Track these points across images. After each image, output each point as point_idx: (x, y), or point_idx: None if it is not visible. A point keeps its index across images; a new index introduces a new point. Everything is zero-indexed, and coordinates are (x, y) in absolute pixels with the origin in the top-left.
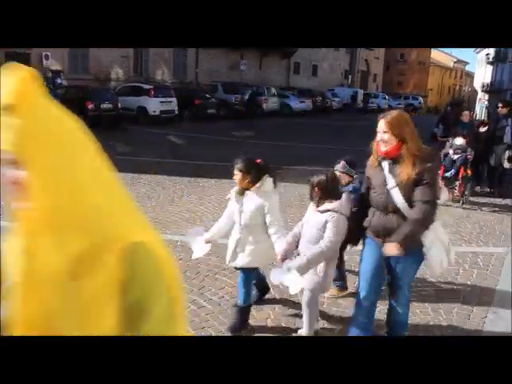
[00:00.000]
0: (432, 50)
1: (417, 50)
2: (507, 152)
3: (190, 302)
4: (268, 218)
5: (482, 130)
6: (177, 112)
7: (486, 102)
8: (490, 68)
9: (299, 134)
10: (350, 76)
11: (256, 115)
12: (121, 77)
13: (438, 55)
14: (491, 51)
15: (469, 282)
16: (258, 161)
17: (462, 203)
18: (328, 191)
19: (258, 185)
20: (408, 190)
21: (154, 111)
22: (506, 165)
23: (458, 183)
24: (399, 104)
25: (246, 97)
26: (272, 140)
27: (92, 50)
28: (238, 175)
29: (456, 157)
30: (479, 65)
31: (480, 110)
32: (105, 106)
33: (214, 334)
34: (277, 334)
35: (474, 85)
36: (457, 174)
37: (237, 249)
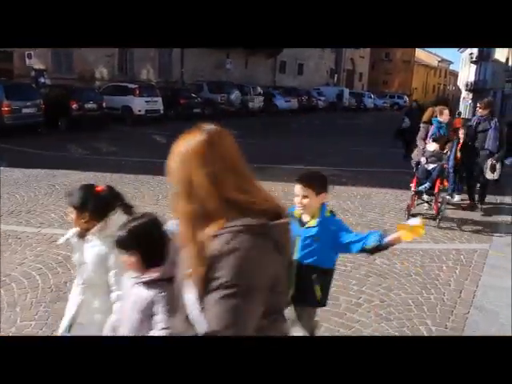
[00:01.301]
0: (416, 49)
1: (401, 49)
2: (489, 161)
3: None
4: (111, 277)
5: (460, 133)
6: (162, 111)
7: (470, 101)
8: (473, 67)
9: (285, 132)
10: (335, 75)
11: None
12: (105, 76)
13: (423, 54)
14: (475, 50)
15: (452, 279)
16: (100, 189)
17: (439, 221)
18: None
19: (99, 225)
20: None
21: (140, 110)
22: (489, 175)
23: (433, 198)
24: (385, 103)
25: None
26: (258, 139)
27: (76, 48)
28: (71, 213)
29: (431, 166)
30: (463, 64)
31: (464, 109)
32: (89, 105)
33: None
34: None
35: (458, 83)
36: (432, 187)
37: (78, 316)
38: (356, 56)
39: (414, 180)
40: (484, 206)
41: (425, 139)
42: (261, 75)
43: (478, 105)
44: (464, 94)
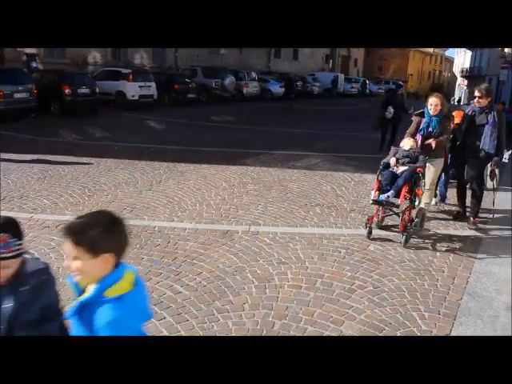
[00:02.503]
0: None
1: None
2: (489, 166)
3: (166, 288)
4: None
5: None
6: (156, 97)
7: (465, 87)
8: (468, 53)
9: (279, 118)
10: (330, 61)
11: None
12: (98, 61)
13: None
14: None
15: (445, 265)
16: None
17: (405, 241)
18: None
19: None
20: None
21: (133, 96)
22: (489, 183)
23: (399, 211)
24: (380, 89)
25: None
26: (252, 125)
27: None
28: None
29: (401, 170)
30: (458, 50)
31: (460, 95)
32: (82, 90)
33: (190, 320)
34: (255, 319)
35: (454, 70)
36: (397, 195)
37: None
38: None
39: (376, 186)
40: (480, 224)
41: (414, 135)
42: (255, 61)
43: (477, 93)
44: (459, 80)
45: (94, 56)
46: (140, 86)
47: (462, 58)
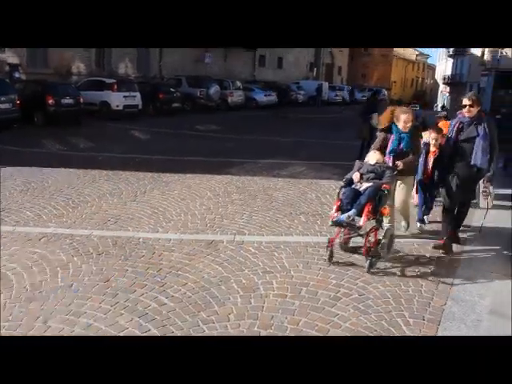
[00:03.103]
0: None
1: None
2: (481, 183)
3: (151, 300)
4: None
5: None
6: (141, 106)
7: (448, 94)
8: (450, 61)
9: (264, 127)
10: (315, 69)
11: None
12: (82, 71)
13: (401, 48)
14: None
15: (429, 271)
16: None
17: (370, 266)
18: None
19: None
20: None
21: (118, 106)
22: (482, 203)
23: (363, 232)
24: (364, 96)
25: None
26: (237, 134)
27: None
28: None
29: (364, 186)
30: (440, 58)
31: (442, 102)
32: (66, 100)
33: (175, 332)
34: (240, 329)
35: (436, 77)
36: (359, 215)
37: None
38: (335, 50)
39: (336, 205)
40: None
41: (379, 150)
42: (240, 69)
43: (466, 101)
44: (442, 87)
45: (78, 66)
46: (124, 96)
47: (443, 66)
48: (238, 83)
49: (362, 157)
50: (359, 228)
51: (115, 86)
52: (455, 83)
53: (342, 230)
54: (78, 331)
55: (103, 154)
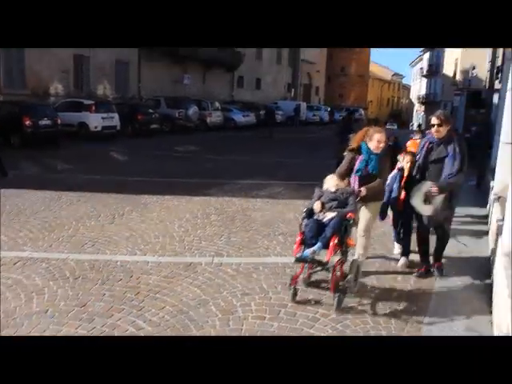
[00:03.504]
0: (370, 63)
1: (356, 63)
2: (428, 183)
3: (129, 325)
4: None
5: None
6: (119, 128)
7: (423, 113)
8: (424, 81)
9: (244, 147)
10: (292, 89)
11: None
12: (60, 92)
13: (376, 68)
14: (425, 65)
15: (406, 290)
16: None
17: (338, 304)
18: None
19: None
20: None
21: (96, 127)
22: (423, 208)
23: (329, 266)
24: (341, 116)
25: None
26: (216, 154)
27: (29, 64)
28: None
29: (328, 217)
30: (414, 78)
31: (418, 120)
32: (43, 122)
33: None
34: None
35: (411, 97)
36: (325, 248)
37: None
38: (312, 70)
39: (298, 240)
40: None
41: (344, 176)
42: (218, 90)
43: (435, 120)
44: (417, 106)
45: (56, 87)
46: (103, 117)
47: (418, 85)
48: (217, 104)
49: None
50: (326, 264)
51: (93, 108)
52: (430, 102)
53: (306, 265)
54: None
55: (81, 176)
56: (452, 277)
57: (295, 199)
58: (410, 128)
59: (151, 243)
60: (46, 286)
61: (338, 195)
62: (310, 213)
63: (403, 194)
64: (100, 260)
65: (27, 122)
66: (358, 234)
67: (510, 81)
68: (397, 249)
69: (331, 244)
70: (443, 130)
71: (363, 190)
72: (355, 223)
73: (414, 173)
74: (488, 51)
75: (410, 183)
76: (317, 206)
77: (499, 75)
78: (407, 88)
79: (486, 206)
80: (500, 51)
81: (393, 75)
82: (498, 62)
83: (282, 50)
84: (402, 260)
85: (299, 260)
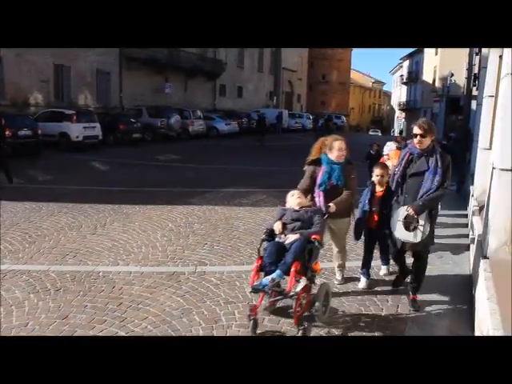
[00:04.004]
0: (351, 70)
1: (337, 70)
2: (404, 208)
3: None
4: None
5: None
6: (101, 137)
7: (403, 120)
8: (404, 88)
9: (226, 156)
10: (274, 97)
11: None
12: (40, 102)
13: (357, 76)
14: (404, 72)
15: (390, 295)
16: None
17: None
18: None
19: None
20: None
21: (77, 137)
22: (401, 233)
23: (294, 293)
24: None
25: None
26: (198, 163)
27: (8, 73)
28: None
29: (290, 239)
30: (395, 85)
31: (399, 127)
32: (23, 132)
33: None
34: None
35: (392, 103)
36: (286, 274)
37: None
38: (294, 78)
39: (256, 266)
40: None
41: (308, 191)
42: (201, 99)
43: (417, 129)
44: (397, 113)
45: (36, 97)
46: (84, 127)
47: (398, 92)
48: (199, 112)
49: None
50: (286, 294)
51: (74, 117)
52: (410, 109)
53: (269, 294)
54: None
55: (62, 186)
56: (434, 297)
57: (277, 206)
58: (392, 134)
59: (134, 253)
60: (26, 299)
61: (301, 214)
62: (271, 235)
63: (377, 211)
64: (82, 271)
65: (6, 133)
66: (333, 254)
67: (485, 88)
68: (383, 270)
69: (292, 270)
70: (426, 142)
71: (332, 205)
72: (322, 245)
73: (393, 187)
74: (465, 59)
75: (385, 199)
76: (277, 227)
77: (476, 82)
78: (388, 95)
79: (466, 210)
80: (476, 59)
81: (374, 82)
82: (475, 70)
83: (263, 57)
84: (384, 269)
85: (256, 290)
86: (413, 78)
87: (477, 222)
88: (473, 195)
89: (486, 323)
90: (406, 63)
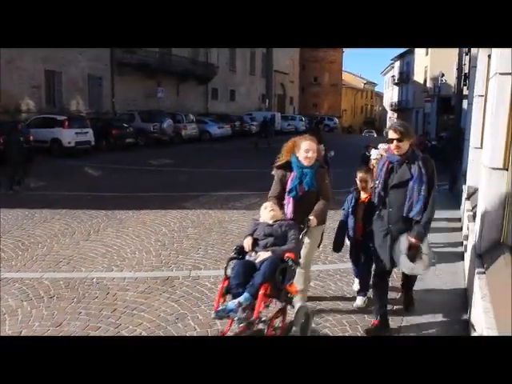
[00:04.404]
0: (343, 72)
1: (329, 72)
2: (404, 238)
3: None
4: None
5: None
6: (93, 143)
7: (396, 120)
8: (396, 88)
9: (219, 159)
10: (267, 100)
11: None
12: (32, 108)
13: (349, 77)
14: (396, 73)
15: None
16: None
17: None
18: None
19: None
20: None
21: (69, 143)
22: (405, 266)
23: (266, 319)
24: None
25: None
26: (191, 167)
27: None
28: None
29: (261, 257)
30: (386, 86)
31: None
32: None
33: None
34: None
35: (384, 104)
36: (255, 298)
37: None
38: (286, 81)
39: (220, 287)
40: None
41: (282, 198)
42: (193, 103)
43: (392, 134)
44: (390, 113)
45: (28, 103)
46: (76, 133)
47: (390, 93)
48: (191, 116)
49: None
50: (253, 322)
51: (66, 123)
52: (402, 109)
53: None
54: None
55: (55, 192)
56: (421, 320)
57: (251, 220)
58: (384, 135)
59: (127, 259)
60: (19, 307)
61: (274, 229)
62: (240, 252)
63: (360, 223)
64: (75, 278)
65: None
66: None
67: (475, 87)
68: (356, 284)
69: (260, 293)
70: (404, 146)
71: (313, 219)
72: (297, 264)
73: (375, 201)
74: (455, 59)
75: (368, 208)
76: (247, 243)
77: (467, 82)
78: (380, 96)
79: (458, 209)
80: (466, 59)
81: (365, 83)
82: (465, 69)
83: (255, 60)
84: (359, 300)
85: (220, 316)
86: (404, 79)
87: (471, 234)
88: (467, 198)
89: (481, 324)
90: (397, 64)
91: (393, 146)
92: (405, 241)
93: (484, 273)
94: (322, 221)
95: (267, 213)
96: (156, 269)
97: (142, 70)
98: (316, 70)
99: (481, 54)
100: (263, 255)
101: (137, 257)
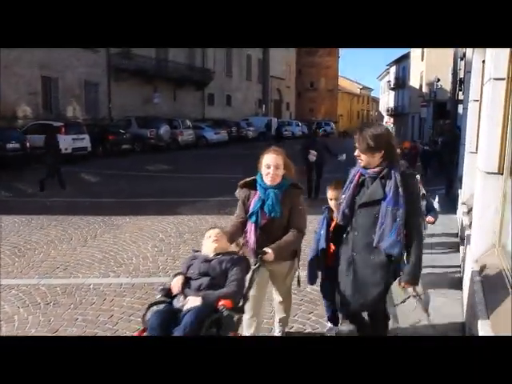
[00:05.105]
0: (339, 77)
1: (325, 77)
2: (394, 291)
3: None
4: None
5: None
6: (90, 149)
7: (392, 125)
8: (392, 93)
9: (215, 165)
10: (263, 105)
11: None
12: (29, 114)
13: (345, 83)
14: (392, 78)
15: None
16: None
17: None
18: None
19: None
20: None
21: (66, 149)
22: (399, 320)
23: None
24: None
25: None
26: (188, 172)
27: None
28: None
29: (190, 305)
30: (382, 91)
31: None
32: (11, 145)
33: None
34: None
35: (380, 109)
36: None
37: None
38: (282, 86)
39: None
40: None
41: (244, 225)
42: (189, 108)
43: (359, 143)
44: (386, 118)
45: (24, 109)
46: (73, 139)
47: (386, 98)
48: (188, 122)
49: (311, 192)
50: None
51: (63, 129)
52: (398, 114)
53: None
54: None
55: (51, 198)
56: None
57: (191, 252)
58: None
59: (124, 265)
60: (15, 314)
61: (212, 266)
62: (168, 295)
63: (332, 247)
64: (72, 284)
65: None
66: (274, 303)
67: (471, 92)
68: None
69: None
70: (369, 159)
71: (269, 252)
72: (239, 312)
73: (339, 220)
74: (450, 64)
75: (340, 230)
76: (175, 284)
77: (462, 86)
78: (376, 101)
79: (455, 213)
80: (461, 64)
81: (361, 89)
82: (461, 74)
83: (251, 66)
84: (332, 330)
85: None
86: (400, 84)
87: (467, 238)
88: (463, 203)
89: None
90: (393, 69)
91: (359, 157)
92: (397, 289)
93: (480, 277)
94: (287, 256)
95: (210, 243)
96: (153, 275)
97: (138, 75)
98: (312, 76)
99: (475, 59)
100: (192, 302)
101: (134, 263)
